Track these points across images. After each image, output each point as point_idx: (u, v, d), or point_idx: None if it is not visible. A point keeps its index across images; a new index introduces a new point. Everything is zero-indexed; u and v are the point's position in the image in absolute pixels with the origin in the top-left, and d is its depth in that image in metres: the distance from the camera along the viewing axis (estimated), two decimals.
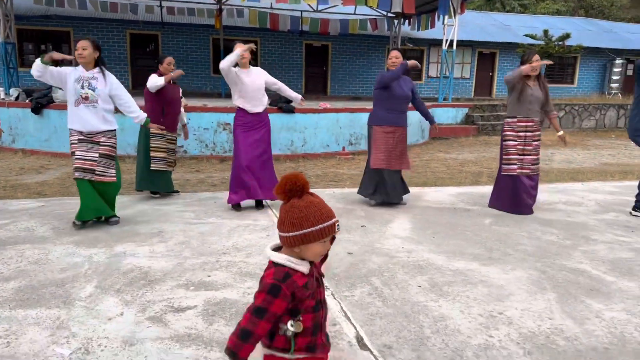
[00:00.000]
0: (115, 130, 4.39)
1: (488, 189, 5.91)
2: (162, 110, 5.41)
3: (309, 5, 15.82)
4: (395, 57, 5.11)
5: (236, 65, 4.81)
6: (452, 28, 13.65)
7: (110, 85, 4.27)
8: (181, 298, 2.92)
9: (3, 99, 10.00)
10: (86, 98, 4.15)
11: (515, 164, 5.08)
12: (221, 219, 4.72)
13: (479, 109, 14.46)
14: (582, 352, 2.40)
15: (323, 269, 1.61)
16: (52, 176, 7.02)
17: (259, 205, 5.15)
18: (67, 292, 2.97)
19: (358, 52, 19.84)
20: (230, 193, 4.98)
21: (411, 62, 5.01)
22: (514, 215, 5.02)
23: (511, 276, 3.37)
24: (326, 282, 3.07)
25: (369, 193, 5.32)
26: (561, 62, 21.56)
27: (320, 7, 16.62)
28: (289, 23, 17.23)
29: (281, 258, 1.44)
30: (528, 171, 5.06)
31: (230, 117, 7.77)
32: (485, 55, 21.11)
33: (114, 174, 4.35)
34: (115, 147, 4.38)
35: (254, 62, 5.04)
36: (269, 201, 5.28)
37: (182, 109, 5.81)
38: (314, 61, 19.56)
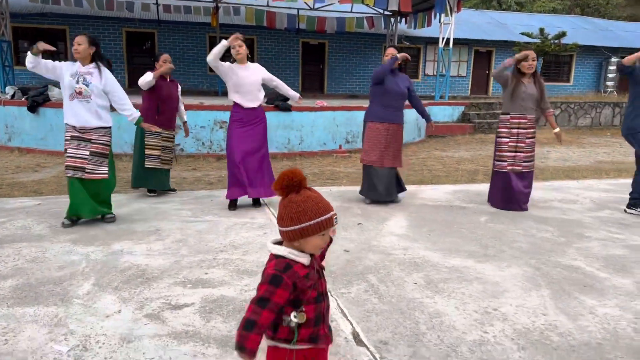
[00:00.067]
0: (109, 127, 4.35)
1: (484, 187, 5.95)
2: (157, 107, 5.39)
3: (305, 3, 15.80)
4: (391, 55, 5.14)
5: (233, 61, 4.82)
6: (448, 26, 13.66)
7: (105, 80, 4.25)
8: (178, 295, 2.94)
9: None
10: (80, 93, 4.16)
11: (506, 161, 5.13)
12: (218, 217, 4.74)
13: (475, 107, 14.49)
14: (575, 348, 2.43)
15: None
16: (49, 174, 7.00)
17: (256, 203, 5.16)
18: (65, 290, 2.98)
19: (355, 50, 19.85)
20: (228, 189, 5.00)
21: (401, 55, 5.07)
22: (509, 213, 5.05)
23: (506, 273, 3.40)
24: None
25: (364, 190, 5.35)
26: (557, 60, 21.65)
27: (317, 5, 16.60)
28: (285, 21, 17.21)
29: (282, 250, 1.47)
30: (519, 168, 5.09)
31: (226, 116, 7.77)
32: (482, 53, 21.16)
33: (106, 172, 4.32)
34: (108, 145, 4.35)
35: (250, 59, 5.04)
36: (266, 199, 5.30)
37: (181, 106, 5.79)
38: (310, 59, 19.56)
